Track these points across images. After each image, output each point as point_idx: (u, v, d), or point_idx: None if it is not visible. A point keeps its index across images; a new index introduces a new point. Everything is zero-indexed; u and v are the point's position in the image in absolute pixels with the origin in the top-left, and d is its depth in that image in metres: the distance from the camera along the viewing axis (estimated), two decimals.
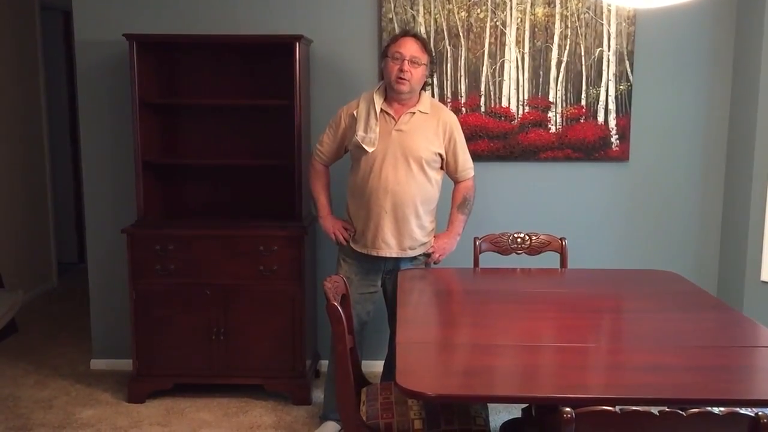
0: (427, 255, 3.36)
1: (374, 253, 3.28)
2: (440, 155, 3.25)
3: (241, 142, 3.98)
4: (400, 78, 3.14)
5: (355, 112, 3.27)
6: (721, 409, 1.72)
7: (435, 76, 3.90)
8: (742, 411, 1.71)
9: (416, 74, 3.17)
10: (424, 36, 3.74)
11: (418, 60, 3.16)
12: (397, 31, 3.83)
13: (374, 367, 3.78)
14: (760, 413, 1.68)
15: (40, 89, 5.78)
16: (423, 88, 3.30)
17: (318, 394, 3.82)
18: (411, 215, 3.23)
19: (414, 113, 3.22)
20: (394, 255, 3.27)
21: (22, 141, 5.52)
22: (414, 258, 3.33)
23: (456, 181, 3.38)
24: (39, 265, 5.78)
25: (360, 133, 3.21)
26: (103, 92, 4.01)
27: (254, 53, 3.90)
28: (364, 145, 3.19)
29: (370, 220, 3.26)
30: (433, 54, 3.34)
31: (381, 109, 3.22)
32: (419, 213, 3.25)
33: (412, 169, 3.19)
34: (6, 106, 5.30)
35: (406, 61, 3.14)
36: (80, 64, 4.02)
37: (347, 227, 3.37)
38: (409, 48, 3.16)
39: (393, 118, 3.22)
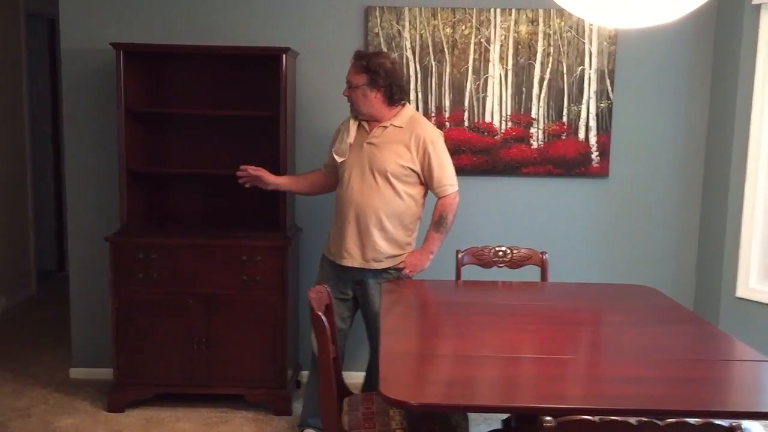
0: (399, 269, 3.35)
1: (339, 262, 3.33)
2: (412, 170, 3.25)
3: (226, 152, 3.99)
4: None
5: (342, 126, 3.37)
6: (698, 420, 1.76)
7: (419, 90, 3.95)
8: (717, 421, 1.75)
9: (355, 96, 3.25)
10: (376, 52, 3.50)
11: (350, 83, 3.26)
12: (383, 45, 3.90)
13: (354, 378, 3.78)
14: (734, 423, 1.72)
15: (23, 96, 5.76)
16: (396, 104, 3.28)
17: (299, 406, 3.82)
18: (373, 227, 3.25)
19: (387, 127, 3.27)
20: (357, 265, 3.30)
21: (4, 148, 5.49)
22: (384, 271, 3.32)
23: (436, 197, 3.36)
24: (18, 272, 5.73)
25: (336, 144, 3.35)
26: (88, 100, 4.02)
27: (241, 64, 3.93)
28: (335, 156, 3.31)
29: (338, 229, 3.33)
30: (380, 69, 3.19)
31: (359, 123, 3.30)
32: (385, 226, 3.25)
33: (377, 182, 3.23)
34: None
35: (346, 87, 3.28)
36: (66, 72, 4.02)
37: (254, 176, 3.47)
38: (348, 72, 3.28)
39: (366, 131, 3.29)
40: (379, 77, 3.20)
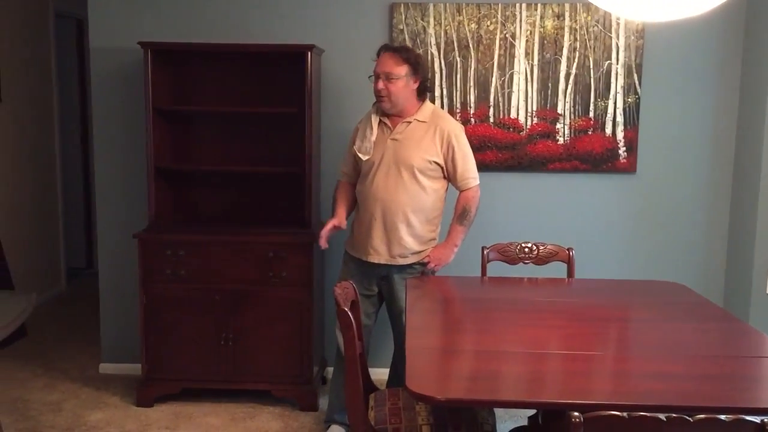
0: (424, 264, 3.35)
1: (365, 259, 3.33)
2: (437, 164, 3.25)
3: (252, 150, 4.03)
4: (379, 97, 3.22)
5: (360, 125, 3.36)
6: (728, 416, 1.74)
7: (444, 86, 3.95)
8: (748, 418, 1.73)
9: (395, 88, 3.20)
10: (405, 45, 3.70)
11: (391, 75, 3.19)
12: (408, 42, 3.89)
13: (379, 375, 3.79)
14: (765, 420, 1.70)
15: (52, 95, 5.84)
16: (423, 97, 3.31)
17: (325, 401, 3.83)
18: (400, 223, 3.25)
19: (410, 122, 3.26)
20: (383, 262, 3.30)
21: (33, 147, 5.58)
22: (409, 266, 3.33)
23: (458, 191, 3.37)
24: (48, 270, 5.82)
25: (357, 142, 3.32)
26: (116, 99, 4.07)
27: (266, 62, 3.95)
28: (359, 154, 3.29)
29: (363, 226, 3.33)
30: (419, 60, 3.26)
31: (380, 120, 3.29)
32: (411, 222, 3.26)
33: (403, 178, 3.22)
34: (18, 111, 5.35)
35: (380, 80, 3.20)
36: (94, 70, 4.07)
37: (333, 231, 3.36)
38: (383, 65, 3.21)
39: (389, 127, 3.28)
40: (419, 67, 3.24)
